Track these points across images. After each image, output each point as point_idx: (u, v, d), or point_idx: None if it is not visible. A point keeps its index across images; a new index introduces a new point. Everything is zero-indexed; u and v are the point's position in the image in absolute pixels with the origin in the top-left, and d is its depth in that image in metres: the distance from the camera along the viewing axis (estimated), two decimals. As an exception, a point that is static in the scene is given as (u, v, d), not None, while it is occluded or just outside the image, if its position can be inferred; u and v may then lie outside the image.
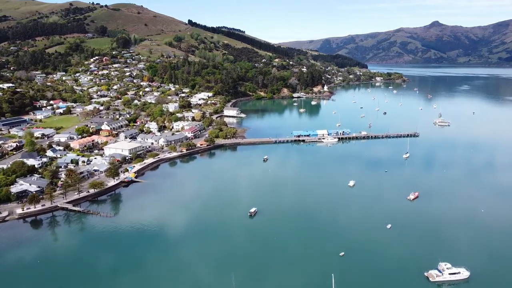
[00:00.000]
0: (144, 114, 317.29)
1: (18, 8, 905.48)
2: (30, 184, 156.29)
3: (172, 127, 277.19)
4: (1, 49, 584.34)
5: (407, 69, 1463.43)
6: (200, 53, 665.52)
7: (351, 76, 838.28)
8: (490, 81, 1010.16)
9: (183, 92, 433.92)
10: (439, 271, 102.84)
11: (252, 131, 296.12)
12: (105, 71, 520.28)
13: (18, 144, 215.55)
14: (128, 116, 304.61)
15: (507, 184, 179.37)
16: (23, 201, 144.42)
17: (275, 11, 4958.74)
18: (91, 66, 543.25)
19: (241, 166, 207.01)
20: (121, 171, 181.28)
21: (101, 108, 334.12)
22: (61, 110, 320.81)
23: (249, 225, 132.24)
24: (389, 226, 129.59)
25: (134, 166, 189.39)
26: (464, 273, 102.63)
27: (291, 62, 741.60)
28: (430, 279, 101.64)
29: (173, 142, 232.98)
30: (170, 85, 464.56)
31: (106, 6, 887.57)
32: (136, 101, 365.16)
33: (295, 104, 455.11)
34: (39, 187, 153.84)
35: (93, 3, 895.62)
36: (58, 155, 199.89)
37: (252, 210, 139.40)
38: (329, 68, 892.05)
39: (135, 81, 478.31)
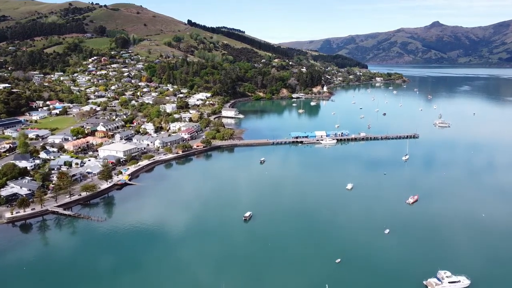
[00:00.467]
0: (141, 115, 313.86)
1: (18, 8, 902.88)
2: (21, 187, 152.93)
3: (169, 128, 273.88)
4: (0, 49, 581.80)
5: (407, 69, 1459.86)
6: (199, 53, 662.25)
7: (351, 77, 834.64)
8: (491, 81, 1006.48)
9: (181, 93, 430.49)
10: (439, 279, 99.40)
11: (250, 132, 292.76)
12: (103, 72, 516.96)
13: (11, 146, 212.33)
14: (124, 117, 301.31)
15: (508, 186, 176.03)
16: (12, 204, 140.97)
17: (275, 11, 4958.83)
18: (89, 66, 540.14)
19: (237, 168, 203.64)
20: (115, 174, 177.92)
21: (98, 108, 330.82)
22: (57, 111, 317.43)
23: (244, 230, 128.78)
24: (387, 231, 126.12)
25: (128, 169, 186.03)
26: (464, 282, 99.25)
27: (290, 63, 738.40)
28: None
29: (169, 144, 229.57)
30: (168, 85, 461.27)
31: (105, 6, 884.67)
32: (133, 102, 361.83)
33: (294, 104, 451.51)
34: (30, 190, 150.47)
35: (92, 3, 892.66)
36: (52, 157, 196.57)
37: (247, 214, 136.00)
38: (329, 68, 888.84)
39: (133, 81, 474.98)
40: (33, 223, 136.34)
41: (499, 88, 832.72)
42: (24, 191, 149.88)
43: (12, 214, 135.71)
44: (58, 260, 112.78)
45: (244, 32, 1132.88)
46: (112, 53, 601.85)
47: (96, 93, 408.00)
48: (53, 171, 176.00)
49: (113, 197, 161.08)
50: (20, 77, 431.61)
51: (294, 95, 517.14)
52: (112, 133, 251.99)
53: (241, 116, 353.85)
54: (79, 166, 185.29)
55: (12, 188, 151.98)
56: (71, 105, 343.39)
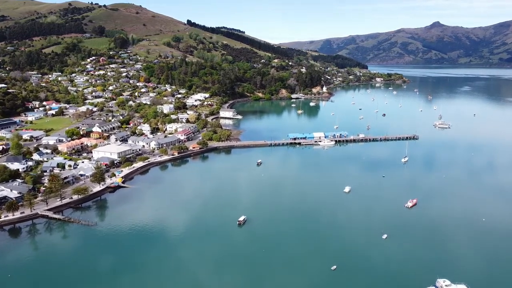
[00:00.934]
0: (138, 115, 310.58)
1: (17, 8, 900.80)
2: (11, 190, 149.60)
3: (166, 129, 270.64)
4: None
5: (407, 69, 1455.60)
6: (198, 53, 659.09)
7: (351, 77, 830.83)
8: (491, 82, 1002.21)
9: (179, 93, 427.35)
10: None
11: (248, 133, 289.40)
12: (101, 72, 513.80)
13: (4, 147, 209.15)
14: (121, 117, 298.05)
15: (510, 189, 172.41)
16: (1, 208, 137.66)
17: (275, 11, 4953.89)
18: (88, 66, 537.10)
19: (233, 170, 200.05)
20: (108, 176, 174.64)
21: (95, 109, 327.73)
22: (53, 112, 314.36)
23: (237, 235, 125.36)
24: (384, 236, 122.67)
25: (122, 171, 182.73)
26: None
27: (290, 63, 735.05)
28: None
29: (164, 145, 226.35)
30: (166, 85, 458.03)
31: (104, 6, 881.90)
32: (130, 102, 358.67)
33: (293, 105, 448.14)
34: (20, 193, 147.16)
35: (91, 3, 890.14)
36: (45, 159, 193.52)
37: (241, 218, 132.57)
38: (328, 68, 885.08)
39: (131, 81, 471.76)
40: (22, 227, 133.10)
41: (500, 89, 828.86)
42: (14, 194, 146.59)
43: (0, 218, 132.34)
44: (46, 266, 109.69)
45: (244, 32, 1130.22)
46: (110, 53, 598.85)
47: (93, 93, 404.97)
48: (45, 173, 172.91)
49: (105, 200, 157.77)
50: (17, 77, 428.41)
51: (294, 96, 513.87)
52: (107, 134, 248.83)
53: (239, 116, 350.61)
54: (72, 168, 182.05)
55: (2, 191, 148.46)
56: (67, 106, 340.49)
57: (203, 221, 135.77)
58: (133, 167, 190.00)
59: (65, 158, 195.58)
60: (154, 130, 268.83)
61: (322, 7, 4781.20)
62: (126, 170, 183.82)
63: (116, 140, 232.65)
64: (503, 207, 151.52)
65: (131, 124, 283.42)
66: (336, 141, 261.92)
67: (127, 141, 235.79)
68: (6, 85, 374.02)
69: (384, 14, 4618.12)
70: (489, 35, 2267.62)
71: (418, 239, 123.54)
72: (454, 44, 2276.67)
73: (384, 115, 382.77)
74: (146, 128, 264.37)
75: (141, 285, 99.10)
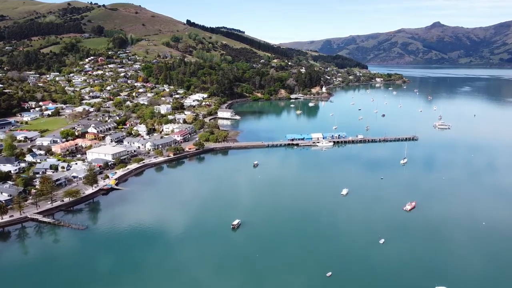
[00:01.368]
0: (134, 116, 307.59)
1: (16, 7, 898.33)
2: (1, 192, 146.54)
3: (162, 130, 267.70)
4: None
5: (408, 70, 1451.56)
6: (197, 53, 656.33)
7: (350, 77, 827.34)
8: (492, 82, 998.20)
9: (177, 93, 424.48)
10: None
11: (245, 134, 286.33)
12: (99, 72, 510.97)
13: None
14: (117, 118, 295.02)
15: (510, 191, 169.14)
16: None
17: (276, 11, 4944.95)
18: (86, 66, 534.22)
19: (229, 172, 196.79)
20: (102, 178, 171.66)
21: (91, 109, 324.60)
22: (49, 112, 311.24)
23: (231, 240, 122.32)
24: (382, 241, 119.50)
25: (115, 172, 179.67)
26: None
27: (290, 63, 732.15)
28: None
29: (160, 146, 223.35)
30: (164, 86, 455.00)
31: (103, 6, 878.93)
32: (128, 103, 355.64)
33: (292, 105, 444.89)
34: (10, 195, 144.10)
35: (91, 2, 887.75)
36: (38, 160, 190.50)
37: (235, 222, 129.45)
38: (328, 69, 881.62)
39: (129, 82, 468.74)
40: (11, 231, 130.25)
41: (500, 89, 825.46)
42: (4, 196, 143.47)
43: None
44: (35, 271, 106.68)
45: (244, 32, 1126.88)
46: (109, 53, 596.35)
47: (91, 93, 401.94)
48: (37, 175, 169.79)
49: (98, 202, 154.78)
50: (14, 77, 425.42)
51: (293, 96, 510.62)
52: (103, 135, 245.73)
53: (237, 117, 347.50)
54: (65, 169, 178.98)
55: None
56: (64, 106, 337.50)
57: (196, 225, 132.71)
58: (128, 168, 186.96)
59: (58, 160, 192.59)
60: (151, 131, 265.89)
61: (322, 7, 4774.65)
62: (120, 172, 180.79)
63: (112, 141, 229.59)
64: (503, 210, 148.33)
65: (128, 125, 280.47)
66: (334, 142, 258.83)
67: (122, 142, 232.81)
68: (2, 85, 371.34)
69: (384, 14, 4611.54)
70: (490, 35, 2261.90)
71: (417, 244, 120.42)
72: (454, 44, 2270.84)
73: (383, 115, 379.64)
74: (142, 128, 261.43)
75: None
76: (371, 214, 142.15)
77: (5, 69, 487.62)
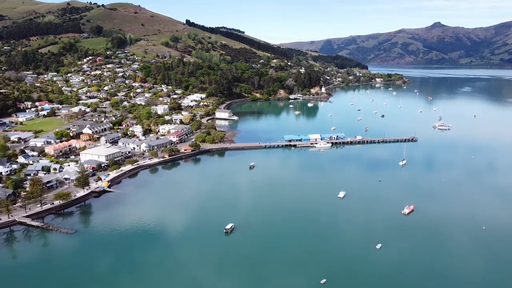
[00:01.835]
0: (131, 116, 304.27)
1: (15, 7, 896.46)
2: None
3: (158, 131, 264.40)
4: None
5: (408, 70, 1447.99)
6: (196, 53, 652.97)
7: (350, 77, 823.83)
8: (492, 82, 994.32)
9: (175, 94, 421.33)
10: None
11: (243, 134, 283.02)
12: (98, 72, 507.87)
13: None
14: (113, 118, 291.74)
15: (511, 194, 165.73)
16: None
17: (276, 11, 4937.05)
18: (84, 66, 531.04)
19: (225, 174, 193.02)
20: (94, 180, 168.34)
21: (88, 110, 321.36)
22: (44, 112, 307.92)
23: (223, 244, 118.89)
24: (379, 246, 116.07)
25: (108, 174, 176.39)
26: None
27: (289, 63, 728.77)
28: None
29: (155, 147, 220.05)
30: (163, 86, 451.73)
31: (103, 5, 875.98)
32: (125, 103, 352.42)
33: (291, 106, 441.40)
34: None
35: (90, 2, 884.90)
36: (30, 162, 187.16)
37: (229, 226, 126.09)
38: (328, 69, 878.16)
39: (127, 82, 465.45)
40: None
41: (501, 90, 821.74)
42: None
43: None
44: (21, 276, 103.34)
45: (243, 32, 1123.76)
46: (107, 53, 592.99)
47: (88, 93, 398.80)
48: (28, 177, 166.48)
49: (90, 205, 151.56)
50: (12, 77, 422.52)
51: (292, 96, 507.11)
52: (98, 136, 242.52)
53: (235, 117, 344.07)
54: (57, 171, 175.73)
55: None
56: (60, 106, 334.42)
57: (188, 230, 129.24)
58: (121, 170, 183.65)
59: (51, 161, 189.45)
60: (147, 132, 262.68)
61: (322, 7, 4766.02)
62: (113, 174, 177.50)
63: (106, 142, 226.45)
64: (504, 214, 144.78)
65: (124, 125, 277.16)
66: (332, 143, 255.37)
67: (117, 143, 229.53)
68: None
69: (384, 15, 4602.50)
70: (490, 36, 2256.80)
71: (414, 249, 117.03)
72: (455, 45, 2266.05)
73: (383, 116, 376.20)
74: (138, 129, 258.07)
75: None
76: (368, 218, 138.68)
77: (2, 69, 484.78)
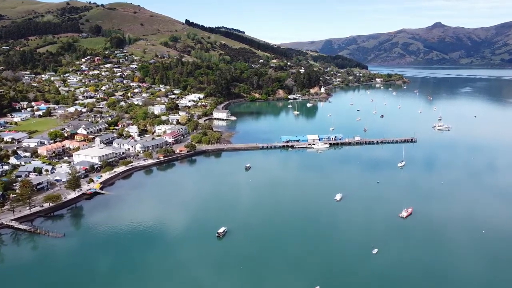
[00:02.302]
0: (127, 116, 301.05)
1: (15, 7, 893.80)
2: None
3: (154, 131, 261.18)
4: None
5: (408, 70, 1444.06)
6: (196, 53, 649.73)
7: (350, 77, 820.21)
8: (493, 83, 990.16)
9: (173, 94, 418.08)
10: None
11: (240, 135, 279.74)
12: (96, 72, 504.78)
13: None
14: (109, 119, 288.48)
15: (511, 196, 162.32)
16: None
17: (276, 11, 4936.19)
18: (82, 66, 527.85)
19: (220, 175, 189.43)
20: (86, 182, 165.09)
21: (84, 110, 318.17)
22: (40, 112, 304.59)
23: (215, 249, 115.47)
24: (375, 251, 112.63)
25: (101, 176, 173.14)
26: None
27: (289, 63, 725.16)
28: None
29: (150, 148, 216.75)
30: (161, 86, 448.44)
31: (102, 5, 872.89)
32: (122, 103, 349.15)
33: (289, 106, 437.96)
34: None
35: (90, 2, 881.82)
36: (22, 163, 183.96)
37: (221, 230, 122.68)
38: (328, 69, 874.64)
39: (125, 81, 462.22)
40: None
41: (501, 90, 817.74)
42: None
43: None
44: (5, 281, 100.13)
45: (243, 32, 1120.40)
46: (106, 52, 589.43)
47: (85, 93, 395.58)
48: (19, 179, 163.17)
49: (81, 208, 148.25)
50: (9, 77, 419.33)
51: (291, 96, 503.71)
52: (93, 136, 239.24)
53: (233, 118, 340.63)
54: (49, 172, 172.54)
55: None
56: (56, 106, 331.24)
57: (179, 234, 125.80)
58: (114, 172, 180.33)
59: (43, 162, 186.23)
60: (143, 132, 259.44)
61: (323, 7, 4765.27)
62: (106, 175, 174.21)
63: (101, 143, 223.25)
64: (504, 217, 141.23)
65: (120, 126, 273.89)
66: (330, 144, 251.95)
67: (112, 143, 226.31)
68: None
69: (385, 15, 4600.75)
70: (491, 36, 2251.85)
71: (412, 254, 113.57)
72: (455, 45, 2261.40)
73: (382, 116, 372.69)
74: (134, 130, 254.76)
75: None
76: (365, 221, 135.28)
77: (0, 69, 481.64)
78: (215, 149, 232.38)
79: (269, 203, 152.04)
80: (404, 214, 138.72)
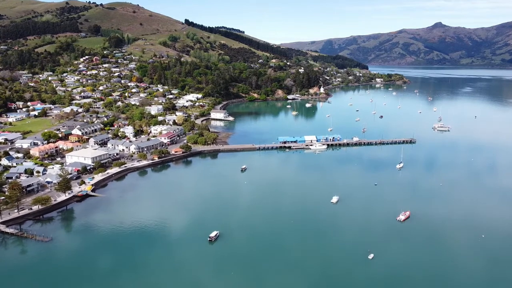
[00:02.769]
0: (123, 116, 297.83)
1: (14, 7, 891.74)
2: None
3: (150, 132, 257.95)
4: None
5: (409, 70, 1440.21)
6: (195, 53, 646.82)
7: (350, 78, 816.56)
8: (493, 83, 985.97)
9: (171, 94, 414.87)
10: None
11: (238, 136, 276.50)
12: (94, 71, 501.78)
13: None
14: (105, 119, 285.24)
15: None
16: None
17: (276, 11, 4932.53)
18: (80, 66, 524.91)
19: (215, 177, 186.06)
20: (78, 183, 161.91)
21: (80, 110, 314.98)
22: (35, 113, 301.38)
23: (206, 254, 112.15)
24: (371, 256, 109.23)
25: (93, 178, 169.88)
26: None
27: (288, 63, 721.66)
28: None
29: (145, 149, 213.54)
30: (159, 86, 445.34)
31: (101, 5, 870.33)
32: (119, 103, 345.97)
33: (288, 106, 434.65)
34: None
35: (89, 2, 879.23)
36: (14, 164, 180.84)
37: (213, 234, 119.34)
38: (328, 69, 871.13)
39: (122, 81, 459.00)
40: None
41: (502, 90, 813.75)
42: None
43: None
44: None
45: (243, 32, 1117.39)
46: (104, 52, 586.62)
47: (82, 93, 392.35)
48: (9, 180, 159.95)
49: (71, 210, 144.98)
50: (6, 76, 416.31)
51: (290, 96, 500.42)
52: (88, 137, 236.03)
53: (230, 118, 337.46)
54: (40, 174, 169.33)
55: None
56: (52, 106, 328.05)
57: (169, 237, 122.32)
58: (107, 173, 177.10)
59: (35, 163, 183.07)
60: (138, 133, 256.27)
61: (323, 7, 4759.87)
62: (98, 177, 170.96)
63: (95, 144, 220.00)
64: (504, 221, 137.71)
65: (115, 126, 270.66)
66: (328, 145, 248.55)
67: (106, 144, 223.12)
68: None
69: (385, 15, 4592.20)
70: (492, 36, 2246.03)
71: (409, 259, 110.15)
72: (456, 45, 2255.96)
73: (381, 117, 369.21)
74: (129, 130, 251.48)
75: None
76: (361, 225, 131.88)
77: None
78: (211, 150, 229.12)
79: (264, 206, 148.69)
80: (401, 217, 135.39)
